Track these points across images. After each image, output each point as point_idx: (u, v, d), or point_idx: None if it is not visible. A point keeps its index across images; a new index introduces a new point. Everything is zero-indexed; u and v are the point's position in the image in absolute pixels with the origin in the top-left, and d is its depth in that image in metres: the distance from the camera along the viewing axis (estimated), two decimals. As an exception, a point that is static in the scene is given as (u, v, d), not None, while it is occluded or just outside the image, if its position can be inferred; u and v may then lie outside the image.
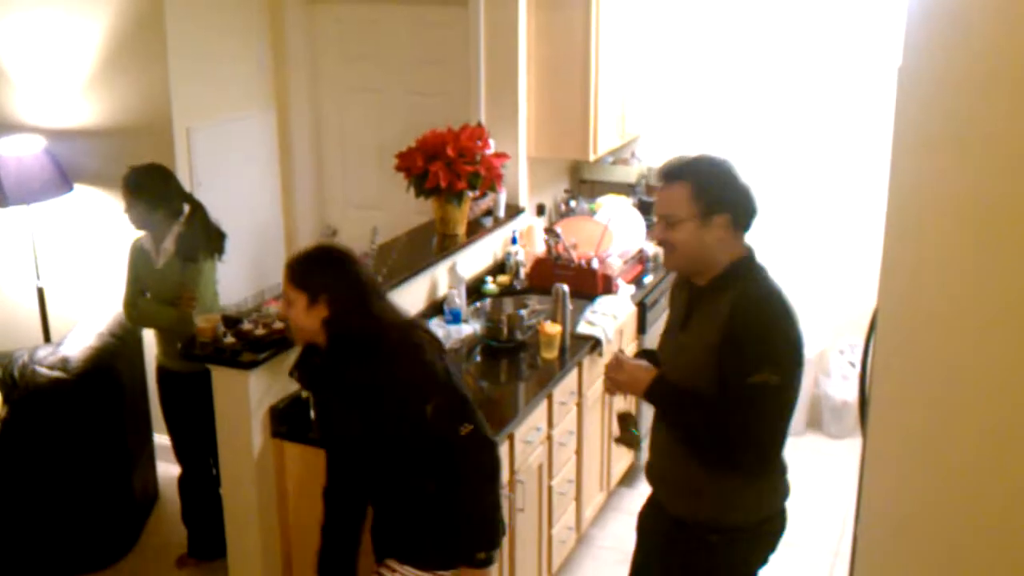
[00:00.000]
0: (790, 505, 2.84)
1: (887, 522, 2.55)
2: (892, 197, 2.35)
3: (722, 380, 2.58)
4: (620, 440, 3.06)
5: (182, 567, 4.31)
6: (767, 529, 2.79)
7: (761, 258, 2.71)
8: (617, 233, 4.85)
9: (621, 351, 2.96)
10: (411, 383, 2.76)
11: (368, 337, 2.77)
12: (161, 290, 3.99)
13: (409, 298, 4.05)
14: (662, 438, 2.84)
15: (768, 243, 5.45)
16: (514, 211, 4.91)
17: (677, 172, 2.65)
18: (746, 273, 2.66)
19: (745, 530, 2.74)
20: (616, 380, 2.82)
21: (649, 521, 2.99)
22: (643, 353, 3.08)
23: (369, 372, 2.76)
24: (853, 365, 5.31)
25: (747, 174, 2.70)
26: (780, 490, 2.80)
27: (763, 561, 2.85)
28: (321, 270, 2.79)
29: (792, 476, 2.84)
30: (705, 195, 2.60)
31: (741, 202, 2.65)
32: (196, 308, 3.81)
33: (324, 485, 3.01)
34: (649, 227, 5.04)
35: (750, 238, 2.72)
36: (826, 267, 5.47)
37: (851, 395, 5.27)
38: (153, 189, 3.94)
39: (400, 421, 2.77)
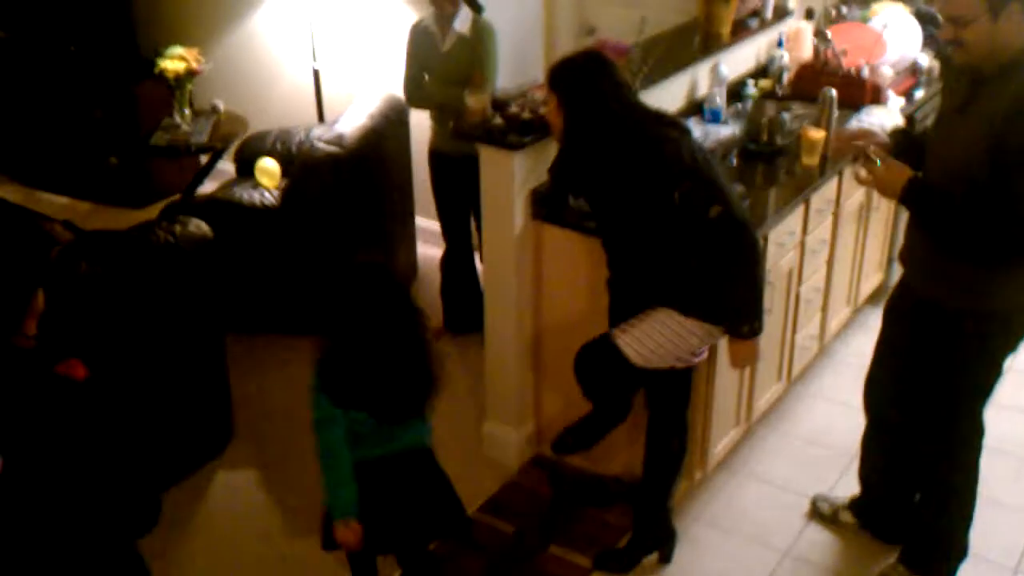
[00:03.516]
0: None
1: None
2: None
3: (992, 169, 2.61)
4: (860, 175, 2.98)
5: (437, 338, 4.61)
6: (1019, 318, 2.86)
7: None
8: (891, 42, 4.58)
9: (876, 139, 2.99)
10: (653, 173, 2.88)
11: (607, 138, 2.91)
12: (446, 71, 4.12)
13: (668, 96, 4.02)
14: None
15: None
16: (782, 13, 4.71)
17: None
18: None
19: (998, 317, 2.82)
20: (874, 174, 2.84)
21: (898, 305, 3.11)
22: (899, 134, 3.10)
23: (611, 170, 2.93)
24: None
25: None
26: None
27: (1013, 348, 2.94)
28: (567, 76, 2.97)
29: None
30: None
31: None
32: (485, 90, 3.93)
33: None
34: (927, 37, 4.74)
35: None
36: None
37: None
38: None
39: (651, 208, 2.91)
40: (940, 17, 2.73)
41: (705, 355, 3.21)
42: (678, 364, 3.10)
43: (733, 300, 2.96)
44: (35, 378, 1.88)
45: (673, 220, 2.90)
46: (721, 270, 2.91)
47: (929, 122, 3.11)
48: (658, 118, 3.02)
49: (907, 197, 2.78)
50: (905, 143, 3.03)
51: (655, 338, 3.01)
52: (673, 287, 3.01)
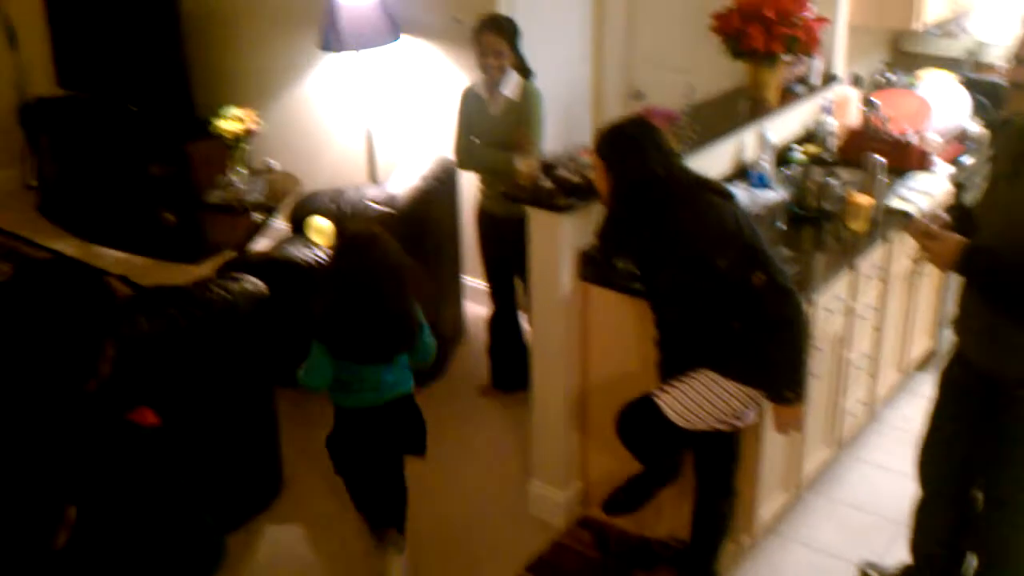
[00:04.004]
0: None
1: None
2: None
3: None
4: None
5: (485, 396, 4.66)
6: None
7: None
8: (938, 109, 4.61)
9: (933, 216, 2.95)
10: (698, 241, 2.91)
11: (652, 204, 2.95)
12: (496, 135, 4.19)
13: (714, 161, 4.06)
14: (971, 289, 2.86)
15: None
16: (829, 80, 4.75)
17: None
18: None
19: None
20: (927, 247, 2.82)
21: (953, 374, 3.05)
22: (955, 209, 3.07)
23: (656, 235, 2.97)
24: None
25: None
26: None
27: None
28: (613, 143, 3.01)
29: None
30: None
31: None
32: (532, 153, 3.99)
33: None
34: (976, 105, 4.77)
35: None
36: None
37: None
38: (516, 37, 4.17)
39: (695, 272, 2.93)
40: (1013, 57, 2.71)
41: (752, 419, 3.21)
42: (722, 426, 3.10)
43: (776, 366, 2.97)
44: (107, 425, 1.93)
45: (717, 285, 2.92)
46: (764, 336, 2.93)
47: (978, 190, 3.09)
48: (703, 184, 3.05)
49: (961, 265, 2.78)
50: (961, 216, 3.01)
51: (695, 399, 3.02)
52: (715, 349, 3.03)
